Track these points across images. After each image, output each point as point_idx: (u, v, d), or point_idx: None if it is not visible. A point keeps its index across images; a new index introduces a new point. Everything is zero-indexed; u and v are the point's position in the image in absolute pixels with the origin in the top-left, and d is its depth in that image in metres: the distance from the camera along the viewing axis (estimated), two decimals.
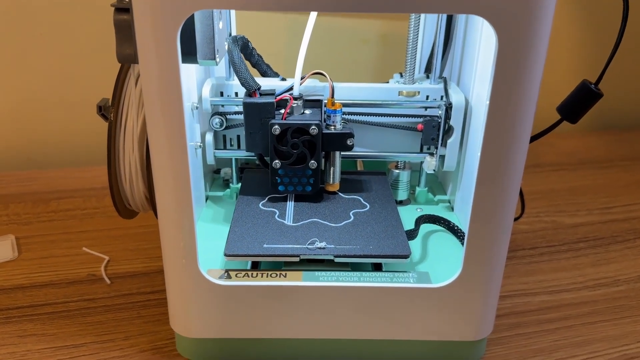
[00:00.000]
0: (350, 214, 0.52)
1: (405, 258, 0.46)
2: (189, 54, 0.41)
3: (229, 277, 0.45)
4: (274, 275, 0.45)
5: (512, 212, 0.43)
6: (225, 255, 0.46)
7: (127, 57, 0.39)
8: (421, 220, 0.55)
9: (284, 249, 0.46)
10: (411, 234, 0.52)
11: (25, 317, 0.52)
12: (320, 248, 0.46)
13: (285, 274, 0.45)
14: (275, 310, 0.45)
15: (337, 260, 0.46)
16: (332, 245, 0.47)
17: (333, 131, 0.52)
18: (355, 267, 0.48)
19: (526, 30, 0.35)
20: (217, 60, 0.42)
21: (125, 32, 0.38)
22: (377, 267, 0.48)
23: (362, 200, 0.55)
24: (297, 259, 0.46)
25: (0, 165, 0.84)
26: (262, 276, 0.45)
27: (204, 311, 0.45)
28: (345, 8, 0.34)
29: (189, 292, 0.44)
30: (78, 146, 0.86)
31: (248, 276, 0.45)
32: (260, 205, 0.53)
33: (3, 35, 0.78)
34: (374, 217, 0.51)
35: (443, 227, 0.55)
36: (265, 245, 0.46)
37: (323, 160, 0.53)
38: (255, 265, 0.49)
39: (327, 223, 0.50)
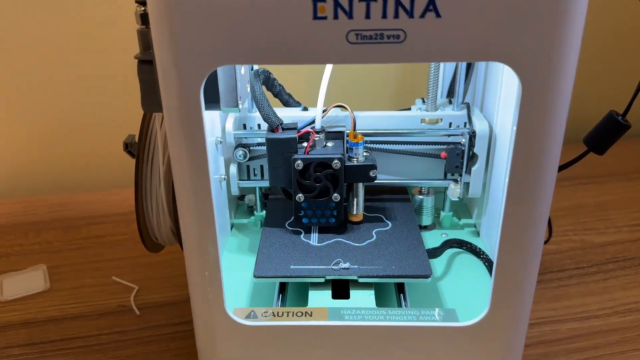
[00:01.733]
0: (373, 232, 0.53)
1: (427, 278, 0.47)
2: (212, 102, 0.42)
3: (255, 316, 0.45)
4: (299, 314, 0.45)
5: (540, 243, 0.42)
6: (255, 276, 0.48)
7: (152, 107, 0.39)
8: (448, 244, 0.56)
9: (310, 270, 0.48)
10: (434, 253, 0.54)
11: (59, 351, 0.53)
12: (344, 269, 0.48)
13: (311, 312, 0.45)
14: (301, 348, 0.45)
15: (360, 280, 0.48)
16: (356, 266, 0.48)
17: (355, 163, 0.52)
18: (378, 286, 0.50)
19: (550, 75, 0.35)
20: (240, 107, 0.43)
21: (149, 83, 0.39)
22: (400, 286, 0.50)
23: (384, 218, 0.56)
24: (322, 280, 0.48)
25: (31, 191, 0.86)
26: (288, 315, 0.45)
27: (231, 349, 0.46)
28: (369, 60, 0.34)
29: (216, 332, 0.45)
30: (106, 169, 0.87)
31: (274, 315, 0.45)
32: (286, 224, 0.55)
33: (30, 61, 0.79)
34: (395, 236, 0.53)
35: (467, 250, 0.56)
36: (292, 267, 0.49)
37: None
38: (283, 285, 0.51)
39: (351, 243, 0.52)
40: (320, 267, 0.48)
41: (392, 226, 0.54)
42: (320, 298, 0.47)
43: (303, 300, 0.49)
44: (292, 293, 0.51)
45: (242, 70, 0.44)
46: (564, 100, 0.36)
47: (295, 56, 0.34)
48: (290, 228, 0.55)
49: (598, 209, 0.77)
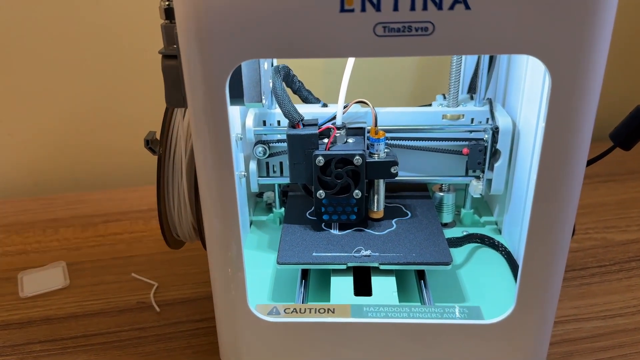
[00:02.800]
0: (393, 222, 0.54)
1: (447, 265, 0.48)
2: (236, 97, 0.41)
3: (277, 313, 0.45)
4: (322, 311, 0.45)
5: (568, 240, 0.41)
6: (278, 263, 0.48)
7: (176, 102, 0.39)
8: (469, 237, 0.57)
9: (332, 257, 0.49)
10: (454, 243, 0.55)
11: (80, 347, 0.53)
12: (366, 256, 0.49)
13: (334, 309, 0.45)
14: (324, 345, 0.45)
15: (382, 267, 0.48)
16: (377, 253, 0.49)
17: (377, 159, 0.51)
18: (399, 274, 0.50)
19: (580, 69, 0.34)
20: (264, 102, 0.43)
21: (173, 78, 0.38)
22: (420, 274, 0.50)
23: (403, 208, 0.57)
24: (344, 267, 0.49)
25: (49, 188, 0.87)
26: (310, 312, 0.45)
27: (253, 346, 0.46)
28: (396, 53, 0.34)
29: (239, 328, 0.45)
30: (123, 167, 0.87)
31: (296, 312, 0.45)
32: (307, 214, 0.56)
33: (48, 59, 0.80)
34: (415, 225, 0.53)
35: (487, 245, 0.56)
36: (314, 254, 0.49)
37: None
38: (305, 273, 0.51)
39: (371, 231, 0.52)
40: (342, 254, 0.49)
41: (412, 216, 0.55)
42: (342, 285, 0.48)
43: (325, 289, 0.49)
44: (313, 282, 0.51)
45: (265, 65, 0.44)
46: (594, 94, 0.36)
47: (322, 50, 0.34)
48: (311, 217, 0.55)
49: (619, 207, 0.76)
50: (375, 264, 0.48)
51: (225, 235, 0.41)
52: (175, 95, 0.39)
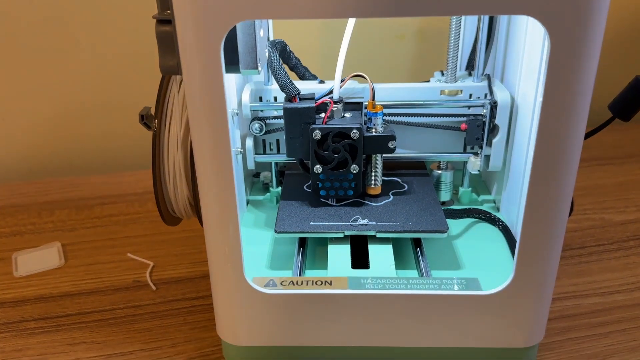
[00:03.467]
0: (390, 194, 0.55)
1: (443, 233, 0.48)
2: (232, 64, 0.41)
3: (274, 285, 0.44)
4: (319, 283, 0.44)
5: (566, 213, 0.41)
6: (276, 232, 0.49)
7: (170, 69, 0.39)
8: (466, 211, 0.57)
9: (329, 226, 0.49)
10: (451, 214, 0.56)
11: (74, 324, 0.53)
12: (363, 225, 0.49)
13: (331, 281, 0.44)
14: (321, 317, 0.44)
15: (379, 235, 0.49)
16: (374, 222, 0.49)
17: (374, 134, 0.51)
18: (396, 245, 0.51)
19: (580, 31, 0.34)
20: (259, 69, 0.42)
21: (167, 43, 0.38)
22: (417, 242, 0.51)
23: (400, 181, 0.57)
24: (341, 235, 0.49)
25: (44, 172, 0.86)
26: (307, 284, 0.44)
27: (250, 319, 0.45)
28: (392, 13, 0.33)
29: (235, 301, 0.44)
30: (119, 151, 0.87)
31: (293, 284, 0.45)
32: (305, 187, 0.56)
33: (43, 42, 0.79)
34: (412, 197, 0.54)
35: (484, 219, 0.56)
36: (312, 223, 0.50)
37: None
38: (303, 244, 0.51)
39: (368, 202, 0.53)
40: (339, 223, 0.50)
41: (409, 189, 0.55)
42: (339, 255, 0.48)
43: (322, 263, 0.49)
44: (310, 255, 0.51)
45: (261, 32, 0.43)
46: (593, 59, 0.35)
47: (317, 10, 0.33)
48: (308, 190, 0.55)
49: (617, 189, 0.76)
50: (372, 233, 0.49)
51: (222, 206, 0.41)
52: (169, 62, 0.38)
